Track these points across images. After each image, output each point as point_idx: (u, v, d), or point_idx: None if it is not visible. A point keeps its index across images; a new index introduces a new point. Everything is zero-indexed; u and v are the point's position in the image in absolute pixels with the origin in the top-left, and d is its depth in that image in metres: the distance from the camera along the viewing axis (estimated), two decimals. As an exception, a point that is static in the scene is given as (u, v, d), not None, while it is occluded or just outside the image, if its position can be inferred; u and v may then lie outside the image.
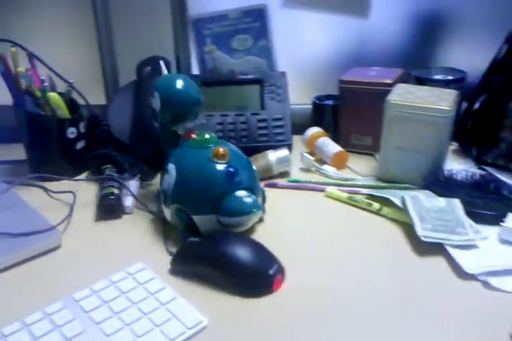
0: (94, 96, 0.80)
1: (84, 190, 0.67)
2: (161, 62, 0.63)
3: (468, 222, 0.58)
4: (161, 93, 0.59)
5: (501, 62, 0.72)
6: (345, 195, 0.66)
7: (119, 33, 0.86)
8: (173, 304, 0.45)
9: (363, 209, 0.64)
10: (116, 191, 0.62)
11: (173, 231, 0.58)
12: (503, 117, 0.70)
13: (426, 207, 0.59)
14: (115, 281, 0.48)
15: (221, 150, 0.54)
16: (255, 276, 0.48)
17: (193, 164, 0.55)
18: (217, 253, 0.48)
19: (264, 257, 0.50)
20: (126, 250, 0.56)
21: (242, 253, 0.48)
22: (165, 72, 0.63)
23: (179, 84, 0.59)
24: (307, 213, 0.63)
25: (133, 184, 0.68)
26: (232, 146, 0.58)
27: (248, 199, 0.53)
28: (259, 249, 0.50)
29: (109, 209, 0.61)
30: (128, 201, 0.63)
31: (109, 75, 0.86)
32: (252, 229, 0.58)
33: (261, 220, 0.60)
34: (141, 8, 0.86)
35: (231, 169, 0.54)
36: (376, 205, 0.63)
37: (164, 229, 0.59)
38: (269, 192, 0.64)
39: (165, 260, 0.53)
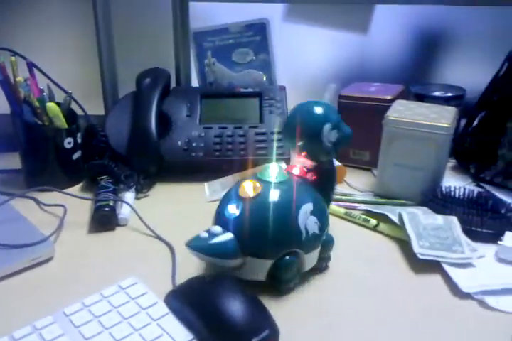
0: (93, 106, 0.80)
1: (79, 201, 0.67)
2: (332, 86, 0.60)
3: (465, 239, 0.57)
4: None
5: (501, 81, 0.72)
6: (343, 210, 0.65)
7: (119, 43, 0.86)
8: (165, 320, 0.44)
9: (360, 225, 0.63)
10: (111, 203, 0.62)
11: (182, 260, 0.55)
12: (502, 135, 0.70)
13: (423, 224, 0.58)
14: (107, 296, 0.47)
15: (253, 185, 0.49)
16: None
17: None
18: (207, 303, 0.43)
19: (257, 319, 0.43)
20: (120, 263, 0.55)
21: (233, 309, 0.42)
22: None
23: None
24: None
25: (129, 195, 0.67)
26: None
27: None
28: (254, 307, 0.44)
29: (102, 220, 0.60)
30: (123, 213, 0.63)
31: (108, 86, 0.86)
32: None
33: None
34: (142, 21, 0.87)
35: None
36: (373, 221, 0.62)
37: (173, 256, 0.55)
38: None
39: (158, 274, 0.52)
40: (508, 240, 0.56)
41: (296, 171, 0.53)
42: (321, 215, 0.51)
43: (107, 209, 0.61)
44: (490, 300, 0.49)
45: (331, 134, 0.52)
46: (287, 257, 0.48)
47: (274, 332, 0.43)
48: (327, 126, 0.52)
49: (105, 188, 0.65)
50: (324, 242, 0.51)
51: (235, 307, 0.43)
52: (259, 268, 0.48)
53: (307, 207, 0.49)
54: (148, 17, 0.87)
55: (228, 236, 0.47)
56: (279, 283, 0.50)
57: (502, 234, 0.57)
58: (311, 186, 0.52)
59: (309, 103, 0.53)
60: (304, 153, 0.53)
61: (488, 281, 0.51)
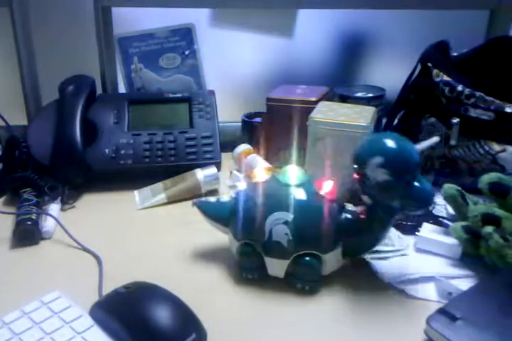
0: (15, 116, 0.77)
1: (1, 216, 0.64)
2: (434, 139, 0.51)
3: (395, 233, 0.60)
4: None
5: (416, 81, 0.77)
6: None
7: (41, 51, 0.84)
8: (90, 332, 0.43)
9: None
10: (33, 216, 0.60)
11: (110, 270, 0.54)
12: (419, 132, 0.74)
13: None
14: (28, 312, 0.45)
15: None
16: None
17: None
18: (132, 311, 0.43)
19: (183, 323, 0.43)
20: (44, 278, 0.53)
21: (158, 315, 0.42)
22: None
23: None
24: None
25: (54, 207, 0.65)
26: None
27: None
28: (179, 311, 0.44)
29: (24, 235, 0.58)
30: (47, 225, 0.61)
31: (30, 95, 0.83)
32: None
33: None
34: (64, 27, 0.85)
35: None
36: None
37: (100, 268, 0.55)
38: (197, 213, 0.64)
39: (85, 287, 0.51)
40: (425, 231, 0.59)
41: (325, 187, 0.51)
42: (299, 233, 0.49)
43: (29, 222, 0.59)
44: (409, 289, 0.51)
45: (377, 172, 0.45)
46: (247, 247, 0.51)
47: (201, 335, 0.43)
48: (376, 160, 0.45)
49: (27, 201, 0.63)
50: (304, 263, 0.50)
51: (160, 313, 0.43)
52: (232, 245, 0.54)
53: (283, 215, 0.50)
54: (70, 23, 0.85)
55: (228, 203, 0.54)
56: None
57: (420, 225, 0.61)
58: (319, 204, 0.50)
59: (396, 136, 0.47)
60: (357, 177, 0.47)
61: (407, 271, 0.54)
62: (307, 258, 0.50)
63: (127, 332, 0.42)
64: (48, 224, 0.61)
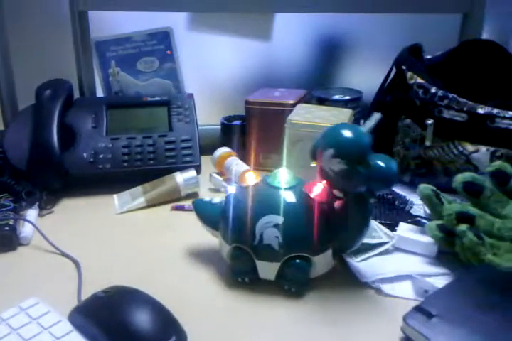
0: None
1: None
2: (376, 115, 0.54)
3: (380, 228, 0.61)
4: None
5: (391, 83, 0.78)
6: None
7: (17, 55, 0.83)
8: (69, 338, 0.43)
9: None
10: (10, 222, 0.59)
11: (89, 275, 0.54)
12: (395, 133, 0.76)
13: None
14: (6, 318, 0.45)
15: None
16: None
17: None
18: (111, 316, 0.43)
19: (162, 326, 0.43)
20: (22, 284, 0.53)
21: (137, 319, 0.42)
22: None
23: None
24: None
25: (31, 213, 0.64)
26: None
27: None
28: (159, 314, 0.44)
29: (2, 240, 0.57)
30: (25, 231, 0.60)
31: (6, 99, 0.82)
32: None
33: None
34: (40, 31, 0.84)
35: None
36: None
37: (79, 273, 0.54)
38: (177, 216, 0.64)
39: (64, 292, 0.51)
40: (402, 230, 0.60)
41: (315, 189, 0.52)
42: (289, 235, 0.50)
43: (6, 228, 0.58)
44: (386, 287, 0.52)
45: (333, 163, 0.46)
46: (239, 250, 0.52)
47: (181, 338, 0.43)
48: (328, 152, 0.46)
49: (4, 207, 0.62)
50: (294, 265, 0.50)
51: (139, 317, 0.43)
52: (223, 248, 0.54)
53: (273, 218, 0.50)
54: (47, 27, 0.84)
55: (218, 206, 0.54)
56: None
57: (397, 224, 0.62)
58: (309, 206, 0.51)
59: (342, 126, 0.47)
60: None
61: (384, 270, 0.55)
62: (297, 261, 0.50)
63: (106, 337, 0.42)
64: (25, 229, 0.61)
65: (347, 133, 0.46)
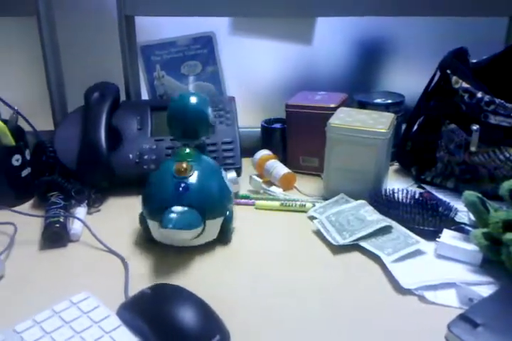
0: (42, 121, 0.80)
1: (30, 219, 0.66)
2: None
3: (412, 234, 0.61)
4: (170, 109, 0.63)
5: (435, 88, 0.77)
6: (277, 203, 0.71)
7: (67, 58, 0.86)
8: (117, 332, 0.45)
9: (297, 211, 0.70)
10: (61, 219, 0.62)
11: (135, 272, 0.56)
12: (439, 138, 0.75)
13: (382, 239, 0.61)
14: (58, 311, 0.47)
15: (183, 165, 0.58)
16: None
17: (160, 174, 0.60)
18: (158, 313, 0.44)
19: (207, 325, 0.44)
20: (72, 278, 0.55)
21: (184, 317, 0.44)
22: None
23: (190, 100, 0.62)
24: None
25: (80, 211, 0.67)
26: (207, 164, 0.62)
27: (172, 215, 0.55)
28: (204, 312, 0.45)
29: (52, 237, 0.60)
30: (75, 228, 0.63)
31: (56, 101, 0.85)
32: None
33: (224, 242, 0.62)
34: (89, 35, 0.87)
35: (182, 184, 0.57)
36: (309, 205, 0.69)
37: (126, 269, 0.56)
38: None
39: (111, 288, 0.53)
40: (445, 237, 0.59)
41: None
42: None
43: (57, 225, 0.61)
44: (429, 295, 0.52)
45: None
46: (228, 212, 0.61)
47: (225, 337, 0.44)
48: None
49: (55, 204, 0.65)
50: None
51: (185, 314, 0.44)
52: (215, 228, 0.60)
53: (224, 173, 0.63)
54: (95, 32, 0.87)
55: (192, 209, 0.57)
56: (229, 234, 0.62)
57: (441, 231, 0.61)
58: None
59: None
60: None
61: (427, 277, 0.54)
62: None
63: (153, 333, 0.43)
64: (75, 226, 0.63)
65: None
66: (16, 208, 0.68)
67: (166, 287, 0.49)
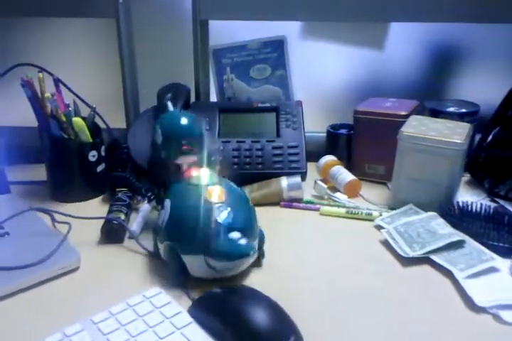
0: (115, 120, 0.83)
1: (96, 214, 0.67)
2: (169, 103, 0.65)
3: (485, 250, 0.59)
4: (162, 127, 0.61)
5: (514, 98, 0.74)
6: (343, 210, 0.70)
7: (141, 60, 0.90)
8: (189, 329, 0.46)
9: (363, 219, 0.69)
10: (122, 216, 0.64)
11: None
12: (517, 150, 0.72)
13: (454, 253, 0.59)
14: (132, 305, 0.49)
15: (218, 190, 0.54)
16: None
17: (187, 201, 0.54)
18: (233, 312, 0.45)
19: (281, 326, 0.44)
20: (142, 273, 0.57)
21: (258, 317, 0.44)
22: (171, 109, 0.64)
23: (182, 120, 0.61)
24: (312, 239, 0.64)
25: (146, 208, 0.69)
26: (231, 185, 0.58)
27: (243, 241, 0.50)
28: (278, 314, 0.46)
29: (109, 233, 0.62)
30: (135, 225, 0.65)
31: (130, 100, 0.88)
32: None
33: (258, 265, 0.58)
34: (164, 38, 0.90)
35: (222, 210, 0.52)
36: (376, 214, 0.68)
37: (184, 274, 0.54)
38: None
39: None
40: (523, 255, 0.57)
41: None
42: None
43: (115, 222, 0.63)
44: (504, 315, 0.49)
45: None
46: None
47: (299, 339, 0.44)
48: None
49: (121, 201, 0.68)
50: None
51: (259, 314, 0.45)
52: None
53: None
54: (170, 34, 0.90)
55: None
56: (262, 254, 0.58)
57: (517, 248, 0.58)
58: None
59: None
60: None
61: (503, 295, 0.52)
62: None
63: (227, 331, 0.44)
64: (136, 224, 0.65)
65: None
66: (90, 201, 0.72)
67: (237, 288, 0.49)
